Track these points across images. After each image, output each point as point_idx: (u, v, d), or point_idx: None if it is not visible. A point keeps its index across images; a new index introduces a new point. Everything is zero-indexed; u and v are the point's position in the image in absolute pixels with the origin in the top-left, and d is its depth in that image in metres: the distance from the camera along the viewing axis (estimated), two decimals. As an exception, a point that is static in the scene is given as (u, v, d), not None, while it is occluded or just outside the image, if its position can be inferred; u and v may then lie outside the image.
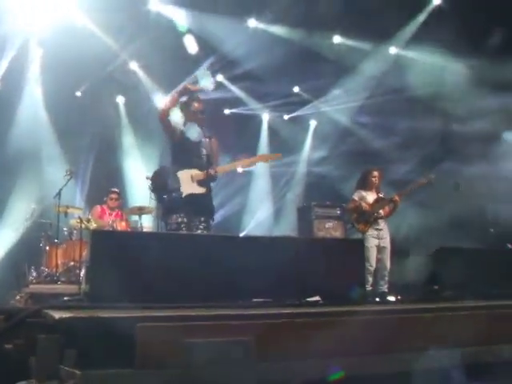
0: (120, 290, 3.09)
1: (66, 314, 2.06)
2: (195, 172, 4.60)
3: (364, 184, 6.19)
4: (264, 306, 3.12)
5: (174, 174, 4.61)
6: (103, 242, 3.42)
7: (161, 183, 4.66)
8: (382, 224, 6.02)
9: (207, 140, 4.71)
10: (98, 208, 7.78)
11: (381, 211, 6.03)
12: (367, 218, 6.01)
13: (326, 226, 7.83)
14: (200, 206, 4.46)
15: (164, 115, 4.61)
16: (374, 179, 6.15)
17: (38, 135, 8.54)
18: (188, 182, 4.59)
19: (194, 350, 1.98)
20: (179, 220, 4.52)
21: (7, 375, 2.33)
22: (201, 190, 4.51)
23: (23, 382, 1.98)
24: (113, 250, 3.37)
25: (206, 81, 4.76)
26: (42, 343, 1.99)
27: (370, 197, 6.13)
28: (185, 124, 4.73)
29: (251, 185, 10.37)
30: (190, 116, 4.73)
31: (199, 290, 3.40)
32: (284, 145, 9.90)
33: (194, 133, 4.68)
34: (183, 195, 4.54)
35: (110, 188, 7.86)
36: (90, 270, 3.38)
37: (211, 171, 4.55)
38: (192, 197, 4.52)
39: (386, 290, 5.74)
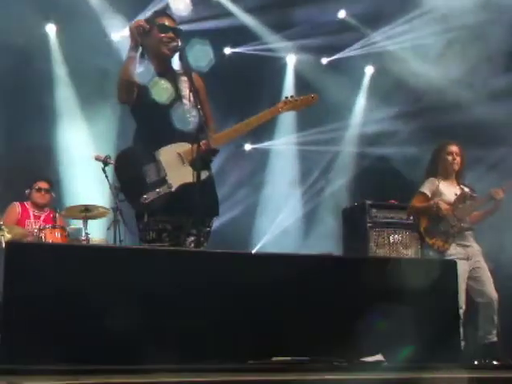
0: (49, 344, 3.16)
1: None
2: (183, 147, 4.54)
3: (435, 168, 6.10)
4: (296, 368, 3.12)
5: (149, 156, 4.55)
6: (25, 263, 3.39)
7: (132, 175, 4.58)
8: (470, 238, 5.93)
9: (187, 89, 4.62)
10: (16, 207, 7.83)
11: (466, 217, 5.91)
12: (447, 227, 5.91)
13: (391, 239, 7.82)
14: (194, 202, 4.38)
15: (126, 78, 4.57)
16: (450, 159, 6.04)
17: None
18: (176, 166, 4.54)
19: None
20: (160, 226, 4.49)
21: None
22: (202, 175, 4.43)
23: None
24: (42, 279, 3.35)
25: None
26: None
27: (448, 189, 6.01)
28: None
29: (268, 170, 10.35)
30: (154, 54, 4.73)
31: (183, 343, 3.38)
32: (321, 106, 9.84)
33: (164, 86, 4.62)
34: (174, 188, 4.49)
35: (35, 174, 7.87)
36: (3, 311, 3.36)
37: (209, 142, 4.45)
38: (187, 188, 4.46)
39: (495, 340, 5.64)
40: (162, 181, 4.52)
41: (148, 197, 4.47)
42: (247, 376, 2.53)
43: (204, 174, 4.43)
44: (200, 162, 4.36)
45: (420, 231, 6.08)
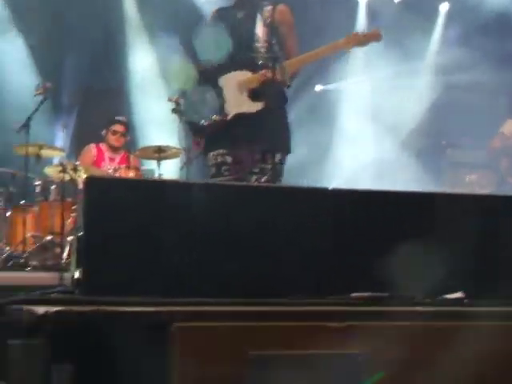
0: (134, 276, 3.16)
1: (54, 308, 2.05)
2: (245, 75, 4.48)
3: None
4: (373, 303, 3.06)
5: (214, 80, 4.51)
6: (106, 197, 3.41)
7: (194, 98, 4.57)
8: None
9: (268, 18, 4.56)
10: (91, 149, 7.92)
11: None
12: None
13: (467, 178, 7.70)
14: (257, 134, 4.32)
15: None
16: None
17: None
18: (235, 94, 4.50)
19: (266, 367, 1.99)
20: (219, 160, 4.46)
21: None
22: (257, 107, 4.37)
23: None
24: (123, 211, 3.36)
25: None
26: (15, 354, 1.98)
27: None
28: None
29: (340, 110, 10.22)
30: None
31: (262, 276, 3.36)
32: (393, 45, 9.66)
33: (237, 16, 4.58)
34: (229, 117, 4.46)
35: (112, 116, 7.91)
36: (85, 244, 3.38)
37: (276, 71, 4.35)
38: (242, 120, 4.42)
39: None
40: (221, 108, 4.49)
41: (204, 122, 4.46)
42: (327, 307, 2.50)
43: (261, 106, 4.37)
44: (266, 91, 4.30)
45: (500, 170, 5.97)
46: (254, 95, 4.39)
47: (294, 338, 2.04)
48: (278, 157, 4.61)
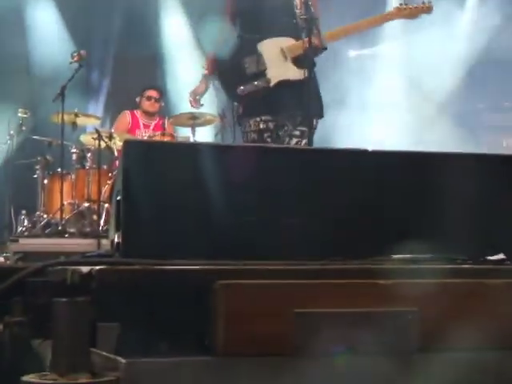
0: (174, 239, 3.16)
1: (98, 267, 2.05)
2: (287, 42, 4.43)
3: None
4: (417, 263, 3.04)
5: (251, 47, 4.46)
6: (144, 160, 3.39)
7: (231, 64, 4.52)
8: None
9: None
10: (126, 116, 7.93)
11: None
12: None
13: (505, 143, 7.64)
14: (298, 100, 4.30)
15: None
16: None
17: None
18: (277, 61, 4.47)
19: (312, 325, 1.96)
20: (261, 126, 4.43)
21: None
22: (300, 74, 4.33)
23: (32, 375, 2.02)
24: (162, 174, 3.34)
25: None
26: (60, 312, 1.97)
27: None
28: None
29: (375, 76, 10.10)
30: None
31: (307, 239, 3.33)
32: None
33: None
34: (272, 83, 4.41)
35: (145, 83, 7.91)
36: (125, 207, 3.38)
37: (317, 39, 4.31)
38: (286, 86, 4.38)
39: None
40: (261, 74, 4.44)
41: (245, 88, 4.41)
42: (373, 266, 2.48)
43: (307, 73, 4.32)
44: (307, 59, 4.26)
45: None
46: (299, 62, 4.35)
47: (340, 296, 2.00)
48: (316, 122, 4.59)
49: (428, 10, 4.69)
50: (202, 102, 5.29)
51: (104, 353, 1.95)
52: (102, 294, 2.02)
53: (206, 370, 1.92)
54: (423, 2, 4.71)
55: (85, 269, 2.05)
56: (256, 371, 1.92)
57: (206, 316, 1.99)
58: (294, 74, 4.35)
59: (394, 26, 10.18)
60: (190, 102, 4.85)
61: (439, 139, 8.61)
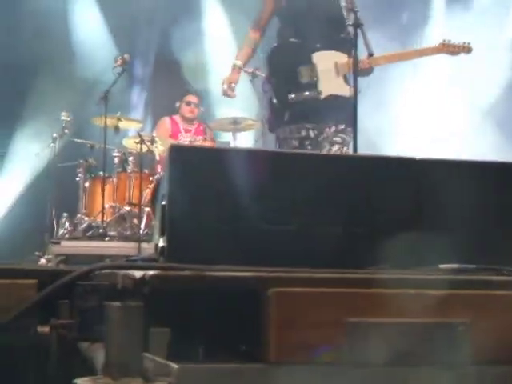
0: (219, 245, 3.16)
1: (151, 272, 2.07)
2: (341, 58, 4.43)
3: None
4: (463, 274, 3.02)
5: (306, 56, 4.47)
6: (190, 165, 3.41)
7: (285, 69, 4.54)
8: None
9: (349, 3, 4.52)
10: (165, 122, 7.99)
11: None
12: None
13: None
14: (343, 114, 4.32)
15: None
16: None
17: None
18: (330, 75, 4.48)
19: (363, 335, 1.96)
20: (303, 133, 4.43)
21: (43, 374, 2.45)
22: (349, 91, 4.35)
23: (85, 378, 2.04)
24: (207, 179, 3.35)
25: None
26: (114, 316, 1.99)
27: None
28: None
29: (412, 81, 10.03)
30: None
31: (345, 247, 3.32)
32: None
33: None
34: (322, 96, 4.42)
35: (185, 88, 7.95)
36: (170, 212, 3.40)
37: (369, 60, 4.33)
38: (335, 101, 4.38)
39: None
40: (313, 85, 4.45)
41: (295, 97, 4.42)
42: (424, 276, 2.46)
43: (353, 90, 4.33)
44: (355, 77, 4.28)
45: None
46: (348, 79, 4.41)
47: (392, 306, 2.00)
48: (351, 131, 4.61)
49: (468, 50, 4.88)
50: (236, 95, 5.26)
51: (156, 358, 1.97)
52: (154, 299, 2.03)
53: (259, 378, 1.92)
54: (464, 43, 4.87)
55: (138, 273, 2.06)
56: (308, 379, 1.92)
57: (258, 323, 1.99)
58: (344, 90, 4.39)
59: (440, 27, 10.15)
60: (224, 90, 4.84)
61: (484, 146, 8.54)
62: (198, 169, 3.40)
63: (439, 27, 10.26)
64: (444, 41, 4.76)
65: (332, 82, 4.47)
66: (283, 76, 4.56)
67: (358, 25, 4.24)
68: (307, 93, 4.47)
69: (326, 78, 4.48)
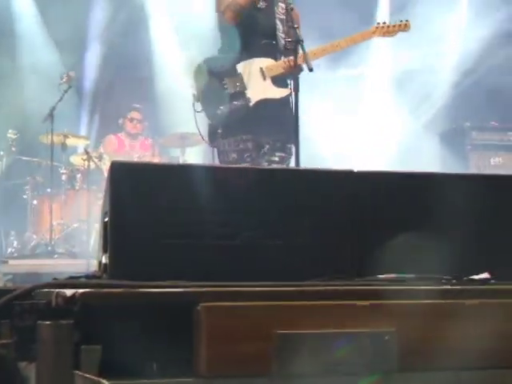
0: (161, 261, 3.17)
1: (81, 290, 2.07)
2: (267, 62, 4.47)
3: None
4: (400, 283, 3.06)
5: (231, 66, 4.50)
6: (132, 181, 3.40)
7: (210, 84, 4.56)
8: None
9: (282, 6, 4.56)
10: (111, 139, 7.96)
11: None
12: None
13: (492, 161, 7.64)
14: (277, 120, 4.33)
15: None
16: None
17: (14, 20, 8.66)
18: (257, 80, 4.48)
19: (292, 347, 1.98)
20: (241, 146, 4.45)
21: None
22: (279, 93, 4.37)
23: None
24: (149, 195, 3.35)
25: None
26: (44, 335, 2.00)
27: None
28: None
29: (362, 96, 10.16)
30: None
31: (291, 260, 3.34)
32: (416, 29, 9.54)
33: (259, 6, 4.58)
34: (251, 103, 4.44)
35: (128, 104, 7.96)
36: (112, 229, 3.39)
37: (298, 59, 4.32)
38: (266, 105, 4.40)
39: None
40: (241, 94, 4.47)
41: (224, 108, 4.44)
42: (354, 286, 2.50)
43: (285, 92, 4.35)
44: (286, 79, 4.30)
45: None
46: (278, 82, 4.40)
47: (319, 317, 2.03)
48: (293, 148, 4.63)
49: (405, 27, 4.78)
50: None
51: (87, 375, 1.97)
52: (85, 316, 2.03)
53: (188, 392, 1.94)
54: (401, 21, 4.79)
55: (69, 292, 2.06)
56: (238, 392, 1.94)
57: (189, 338, 2.01)
58: (274, 93, 4.39)
59: (380, 45, 10.31)
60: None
61: (426, 158, 8.67)
62: (139, 185, 3.38)
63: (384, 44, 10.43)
64: (378, 23, 4.74)
65: (260, 88, 4.48)
66: (210, 92, 4.57)
67: (297, 41, 4.26)
68: (236, 102, 4.47)
69: (253, 84, 4.49)
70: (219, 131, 4.54)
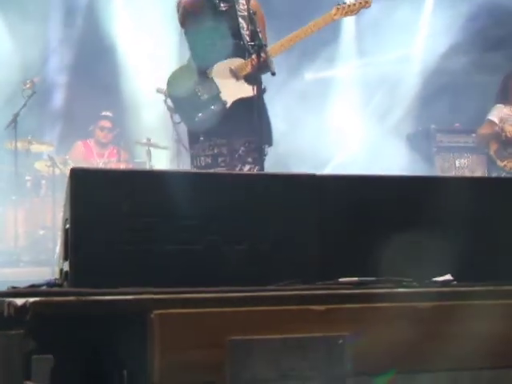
0: (123, 268, 3.15)
1: (32, 299, 2.05)
2: (236, 62, 4.47)
3: (505, 95, 6.06)
4: (360, 287, 3.07)
5: (202, 73, 4.50)
6: (92, 188, 3.38)
7: (184, 94, 4.55)
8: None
9: (244, 10, 4.57)
10: (79, 146, 7.92)
11: None
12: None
13: (457, 163, 7.71)
14: (251, 121, 4.30)
15: None
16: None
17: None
18: (229, 82, 4.48)
19: (246, 352, 1.98)
20: (215, 151, 4.46)
21: None
22: (251, 91, 4.34)
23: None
24: (110, 202, 3.33)
25: None
26: (-5, 345, 1.97)
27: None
28: None
29: (330, 98, 10.20)
30: None
31: (248, 266, 3.33)
32: (382, 28, 9.59)
33: (219, 9, 4.59)
34: (228, 104, 4.43)
35: (98, 111, 7.93)
36: (72, 236, 3.36)
37: (263, 53, 4.31)
38: (241, 106, 4.40)
39: None
40: (216, 98, 4.47)
41: (202, 115, 4.44)
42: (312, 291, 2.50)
43: (258, 89, 4.34)
44: (256, 76, 4.30)
45: (490, 155, 6.06)
46: (250, 80, 4.41)
47: (274, 323, 2.03)
48: (266, 148, 4.63)
49: (366, 4, 4.76)
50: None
51: (38, 385, 1.95)
52: (36, 326, 2.01)
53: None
54: None
55: (19, 301, 2.04)
56: (191, 400, 1.93)
57: (142, 346, 2.00)
58: (248, 92, 4.37)
59: (349, 48, 10.37)
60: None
61: (393, 160, 8.72)
62: (99, 192, 3.36)
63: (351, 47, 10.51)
64: (339, 4, 4.71)
65: (233, 88, 4.48)
66: (186, 101, 4.57)
67: (260, 45, 4.27)
68: (213, 107, 4.47)
69: (226, 86, 4.49)
70: (201, 138, 4.53)
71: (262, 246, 3.33)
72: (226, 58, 4.57)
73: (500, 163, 6.01)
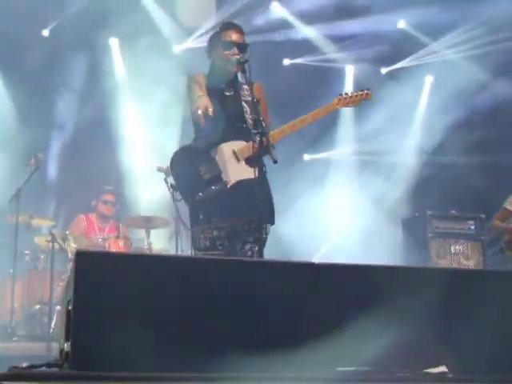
0: (125, 351, 3.15)
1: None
2: (239, 145, 4.61)
3: None
4: (359, 378, 3.11)
5: (205, 153, 4.62)
6: (96, 271, 3.43)
7: (187, 173, 4.66)
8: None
9: (248, 97, 4.71)
10: (81, 220, 7.97)
11: None
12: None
13: (453, 249, 7.76)
14: (252, 201, 4.38)
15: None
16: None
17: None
18: (231, 163, 4.60)
19: None
20: (215, 234, 4.55)
21: None
22: (252, 173, 4.42)
23: None
24: (113, 285, 3.38)
25: None
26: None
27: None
28: (211, 73, 4.92)
29: (327, 181, 10.33)
30: (219, 69, 4.93)
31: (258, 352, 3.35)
32: (381, 115, 9.82)
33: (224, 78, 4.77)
34: (229, 185, 4.54)
35: (102, 186, 8.01)
36: (75, 315, 3.41)
37: (264, 139, 4.42)
38: (241, 188, 4.51)
39: None
40: (217, 178, 4.58)
41: (202, 195, 4.54)
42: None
43: (259, 171, 4.43)
44: (257, 158, 4.40)
45: (502, 245, 6.20)
46: (250, 162, 4.51)
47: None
48: (268, 228, 4.70)
49: (368, 96, 4.89)
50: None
51: None
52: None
53: None
54: (362, 90, 4.92)
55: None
56: None
57: None
58: (249, 173, 4.46)
59: (346, 132, 10.55)
60: (199, 117, 4.72)
61: (388, 243, 8.80)
62: (105, 275, 3.37)
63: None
64: (340, 94, 4.84)
65: (235, 169, 4.57)
66: (187, 178, 4.68)
67: (263, 134, 4.39)
68: (213, 187, 4.58)
69: (227, 167, 4.59)
70: (201, 217, 4.63)
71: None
72: (229, 140, 4.69)
73: (509, 253, 6.19)
